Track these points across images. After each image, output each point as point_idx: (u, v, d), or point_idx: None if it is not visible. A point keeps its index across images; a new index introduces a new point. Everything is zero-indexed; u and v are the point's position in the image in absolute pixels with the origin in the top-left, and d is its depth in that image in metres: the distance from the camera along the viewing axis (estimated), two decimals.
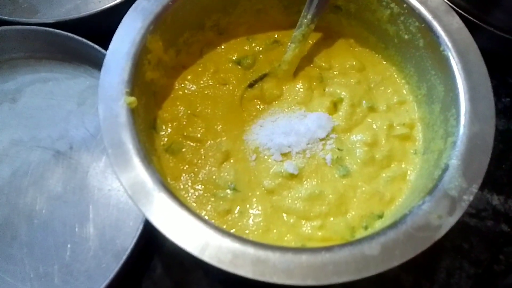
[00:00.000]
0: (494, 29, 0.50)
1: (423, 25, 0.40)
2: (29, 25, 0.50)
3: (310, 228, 0.39)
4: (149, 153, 0.36)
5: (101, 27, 0.48)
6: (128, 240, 0.43)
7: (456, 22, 0.39)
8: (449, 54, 0.38)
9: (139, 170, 0.33)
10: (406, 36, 0.43)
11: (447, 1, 0.49)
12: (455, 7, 0.50)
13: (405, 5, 0.40)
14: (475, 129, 0.35)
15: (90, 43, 0.48)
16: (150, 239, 0.44)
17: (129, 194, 0.32)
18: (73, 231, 0.46)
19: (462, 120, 0.36)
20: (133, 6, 0.39)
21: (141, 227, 0.41)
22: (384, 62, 0.47)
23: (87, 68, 0.53)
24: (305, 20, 0.42)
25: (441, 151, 0.37)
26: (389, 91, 0.46)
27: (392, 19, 0.43)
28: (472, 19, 0.49)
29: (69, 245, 0.45)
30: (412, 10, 0.40)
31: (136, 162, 0.33)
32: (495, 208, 0.49)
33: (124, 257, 0.40)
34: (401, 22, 0.42)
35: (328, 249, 0.31)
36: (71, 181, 0.48)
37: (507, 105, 0.55)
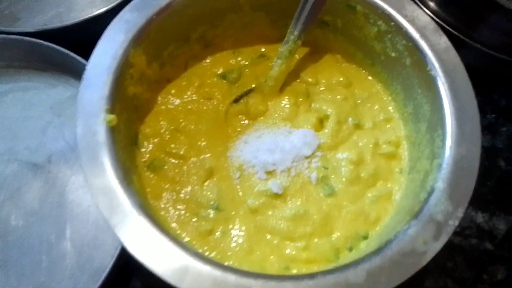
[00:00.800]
0: (480, 46, 0.50)
1: (410, 43, 0.40)
2: (8, 34, 0.48)
3: (294, 249, 0.38)
4: (129, 172, 0.35)
5: (84, 37, 0.46)
6: (106, 259, 0.42)
7: (444, 42, 0.39)
8: (436, 74, 0.38)
9: (117, 192, 0.32)
10: (393, 54, 0.42)
11: (434, 17, 0.50)
12: (442, 23, 0.50)
13: (392, 23, 0.40)
14: (462, 152, 0.35)
15: (71, 53, 0.46)
16: (129, 258, 0.41)
17: (106, 217, 0.30)
18: (50, 249, 0.44)
19: (448, 141, 0.36)
20: (116, 18, 0.38)
21: (120, 245, 0.39)
22: (371, 78, 0.47)
23: (68, 78, 0.51)
24: (292, 36, 0.42)
25: (427, 171, 0.37)
26: (375, 108, 0.45)
27: (379, 37, 0.43)
28: (459, 35, 0.50)
29: (45, 264, 0.43)
30: (399, 28, 0.40)
31: (114, 184, 0.32)
32: (479, 226, 0.49)
33: (102, 277, 0.38)
34: (388, 39, 0.42)
35: (311, 276, 0.30)
36: (49, 196, 0.46)
37: (492, 121, 0.55)
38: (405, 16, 0.39)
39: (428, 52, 0.39)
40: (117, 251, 0.39)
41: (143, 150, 0.41)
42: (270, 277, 0.30)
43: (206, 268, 0.30)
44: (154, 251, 0.30)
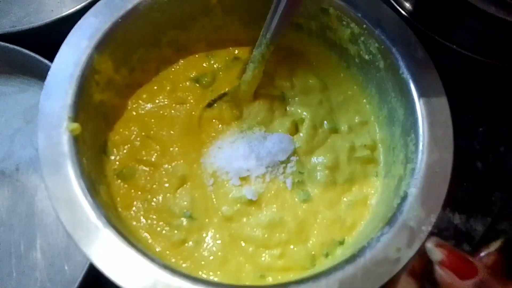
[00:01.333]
0: (456, 47, 0.50)
1: (382, 46, 0.39)
2: None
3: (269, 257, 0.38)
4: (95, 182, 0.34)
5: (54, 39, 0.44)
6: (78, 270, 0.41)
7: (415, 43, 0.39)
8: (408, 77, 0.38)
9: (81, 204, 0.30)
10: (366, 57, 0.42)
11: (410, 18, 0.49)
12: (417, 25, 0.50)
13: (364, 26, 0.40)
14: (434, 157, 0.35)
15: (39, 56, 0.45)
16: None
17: (69, 232, 0.29)
18: (19, 260, 0.42)
19: (421, 146, 0.35)
20: (79, 22, 0.36)
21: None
22: (346, 82, 0.46)
23: (37, 82, 0.49)
24: (264, 40, 0.41)
25: (401, 177, 0.37)
26: (351, 111, 0.45)
27: (352, 39, 0.42)
28: (435, 36, 0.49)
29: (14, 275, 0.42)
30: (371, 31, 0.39)
31: (79, 195, 0.31)
32: (456, 227, 0.49)
33: None
34: (361, 42, 0.42)
35: (284, 285, 0.30)
36: (17, 206, 0.45)
37: (469, 122, 0.55)
38: (376, 19, 0.39)
39: (400, 55, 0.39)
40: (89, 262, 0.38)
41: (112, 158, 0.40)
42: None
43: (175, 280, 0.29)
44: (121, 265, 0.29)
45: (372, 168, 0.42)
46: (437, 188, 0.34)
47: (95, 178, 0.34)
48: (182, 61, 0.46)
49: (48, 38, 0.46)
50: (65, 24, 0.46)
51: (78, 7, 0.48)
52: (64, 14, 0.48)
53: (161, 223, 0.38)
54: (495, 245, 0.30)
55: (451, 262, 0.28)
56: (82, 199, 0.31)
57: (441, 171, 0.34)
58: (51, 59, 0.43)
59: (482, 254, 0.31)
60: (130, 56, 0.41)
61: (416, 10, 0.52)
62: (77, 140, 0.33)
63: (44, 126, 0.32)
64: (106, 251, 0.29)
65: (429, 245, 0.28)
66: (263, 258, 0.37)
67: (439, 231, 0.48)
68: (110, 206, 0.36)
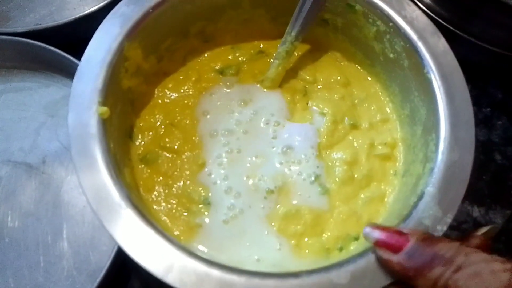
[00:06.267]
0: (474, 39, 0.49)
1: (408, 45, 0.39)
2: (0, 34, 0.48)
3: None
4: (120, 164, 0.35)
5: (76, 35, 0.46)
6: (104, 259, 0.42)
7: (442, 45, 0.38)
8: (433, 77, 0.37)
9: (106, 184, 0.32)
10: (391, 55, 0.42)
11: (428, 11, 0.49)
12: (436, 17, 0.49)
13: (390, 24, 0.40)
14: (454, 157, 0.35)
15: (62, 53, 0.46)
16: (127, 258, 0.41)
17: (94, 209, 0.31)
18: (47, 250, 0.44)
19: (441, 146, 0.35)
20: (112, 11, 0.38)
21: (117, 245, 0.39)
22: (370, 79, 0.46)
23: (61, 78, 0.51)
24: (289, 37, 0.41)
25: (419, 175, 0.37)
26: (372, 108, 0.45)
27: (378, 37, 0.42)
28: (453, 29, 0.49)
29: (42, 265, 0.43)
30: (397, 29, 0.39)
31: (104, 175, 0.32)
32: (476, 220, 0.49)
33: (100, 277, 0.38)
34: (387, 40, 0.41)
35: (296, 275, 0.30)
36: (44, 197, 0.46)
37: (488, 115, 0.54)
38: (404, 17, 0.39)
39: (426, 55, 0.38)
40: (114, 251, 0.39)
41: (137, 143, 0.41)
42: (254, 274, 0.30)
43: (191, 262, 0.30)
44: (139, 243, 0.30)
45: (390, 166, 0.42)
46: (455, 188, 0.33)
47: (120, 161, 0.36)
48: (208, 53, 0.47)
49: (71, 35, 0.49)
50: (87, 22, 0.49)
51: (99, 5, 0.49)
52: (86, 12, 0.49)
53: (180, 208, 0.39)
54: (482, 230, 0.29)
55: (385, 240, 0.27)
56: (107, 179, 0.32)
57: (460, 172, 0.34)
58: (74, 55, 0.46)
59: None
60: (158, 45, 0.42)
61: (434, 3, 0.51)
62: (105, 123, 0.34)
63: (75, 108, 0.33)
64: (127, 229, 0.31)
65: (366, 230, 0.28)
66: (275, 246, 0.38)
67: (458, 224, 0.48)
68: (133, 188, 0.37)
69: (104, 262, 0.39)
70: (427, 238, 0.26)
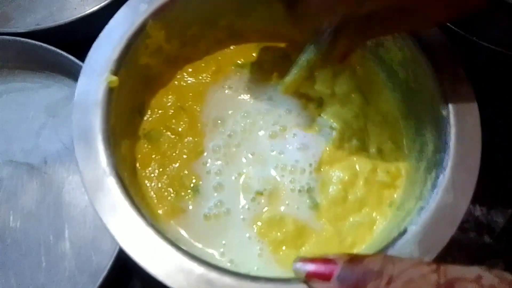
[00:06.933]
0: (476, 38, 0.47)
1: (429, 79, 0.38)
2: (1, 34, 0.48)
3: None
4: (118, 135, 0.36)
5: (77, 35, 0.47)
6: (105, 259, 0.41)
7: (464, 81, 0.37)
8: (447, 115, 0.36)
9: (98, 151, 0.33)
10: (413, 85, 0.41)
11: None
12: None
13: (415, 53, 0.38)
14: (448, 199, 0.33)
15: (63, 53, 0.46)
16: (128, 258, 0.42)
17: (80, 168, 0.32)
18: (49, 251, 0.44)
19: (438, 186, 0.34)
20: None
21: (118, 246, 0.37)
22: (388, 104, 0.45)
23: (62, 78, 0.51)
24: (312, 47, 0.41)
25: (409, 211, 0.35)
26: (384, 134, 0.44)
27: (403, 63, 0.41)
28: (454, 28, 0.47)
29: (44, 265, 0.44)
30: (420, 60, 0.38)
31: (98, 142, 0.33)
32: (477, 219, 0.48)
33: (101, 278, 0.39)
34: (411, 69, 0.40)
35: (286, 281, 0.30)
36: (46, 197, 0.46)
37: (490, 115, 0.52)
38: (429, 48, 0.38)
39: (446, 91, 0.37)
40: (116, 252, 0.40)
41: (145, 118, 0.42)
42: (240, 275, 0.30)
43: (172, 252, 0.31)
44: (114, 212, 0.31)
45: (388, 195, 0.41)
46: (441, 231, 0.32)
47: (120, 132, 0.37)
48: (233, 47, 0.47)
49: (72, 35, 0.49)
50: (88, 22, 0.49)
51: (100, 5, 0.49)
52: (87, 12, 0.49)
53: (169, 188, 0.40)
54: None
55: (315, 270, 0.26)
56: (100, 146, 0.33)
57: (451, 216, 0.32)
58: (75, 55, 0.46)
59: None
60: (184, 31, 0.43)
61: None
62: (112, 93, 0.36)
63: (86, 73, 0.35)
64: (105, 196, 0.32)
65: (297, 265, 0.27)
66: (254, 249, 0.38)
67: (460, 223, 0.47)
68: (128, 161, 0.38)
69: (105, 262, 0.39)
70: (353, 258, 0.26)
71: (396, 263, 0.24)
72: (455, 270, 0.22)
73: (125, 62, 0.37)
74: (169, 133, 0.42)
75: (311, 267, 0.26)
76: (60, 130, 0.49)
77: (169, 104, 0.43)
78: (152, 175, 0.40)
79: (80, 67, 0.41)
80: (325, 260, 0.26)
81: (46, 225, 0.45)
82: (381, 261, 0.24)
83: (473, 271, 0.22)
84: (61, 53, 0.47)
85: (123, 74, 0.37)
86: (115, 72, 0.36)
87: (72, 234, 0.44)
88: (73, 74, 0.45)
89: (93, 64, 0.35)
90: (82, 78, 0.35)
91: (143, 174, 0.40)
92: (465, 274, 0.22)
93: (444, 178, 0.34)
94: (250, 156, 0.41)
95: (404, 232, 0.32)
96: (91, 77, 0.35)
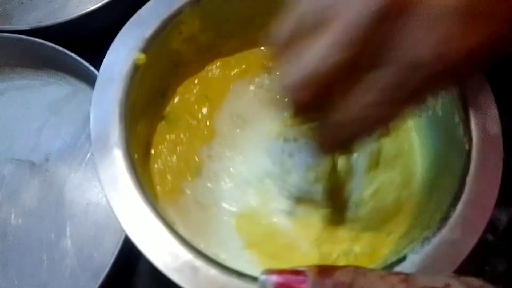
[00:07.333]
0: None
1: (459, 108, 0.36)
2: (2, 32, 0.49)
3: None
4: (137, 112, 0.37)
5: (79, 33, 0.48)
6: (107, 257, 0.41)
7: (493, 119, 0.35)
8: (469, 148, 0.34)
9: (111, 123, 0.34)
10: (440, 112, 0.39)
11: None
12: None
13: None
14: (455, 235, 0.31)
15: (65, 50, 0.46)
16: (130, 256, 0.43)
17: (92, 133, 0.33)
18: (50, 248, 0.44)
19: (448, 219, 0.32)
20: None
21: (120, 243, 0.39)
22: (411, 131, 0.44)
23: (64, 76, 0.51)
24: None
25: (413, 239, 0.34)
26: (396, 168, 0.42)
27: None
28: None
29: (45, 263, 0.44)
30: (452, 88, 0.37)
31: (113, 117, 0.34)
32: None
33: (103, 276, 0.39)
34: (441, 96, 0.39)
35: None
36: (48, 195, 0.46)
37: None
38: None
39: (472, 123, 0.35)
40: (117, 250, 0.39)
41: (168, 101, 0.43)
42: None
43: (165, 233, 0.31)
44: (114, 180, 0.32)
45: (392, 228, 0.39)
46: (440, 267, 0.30)
47: (139, 109, 0.38)
48: (264, 48, 0.47)
49: (74, 32, 0.49)
50: (90, 19, 0.48)
51: (102, 2, 0.48)
52: (89, 9, 0.48)
53: (174, 167, 0.40)
54: None
55: (284, 282, 0.25)
56: (115, 117, 0.34)
57: (455, 253, 0.31)
58: (77, 53, 0.46)
59: None
60: (219, 25, 0.43)
61: None
62: (138, 69, 0.36)
63: (115, 47, 0.36)
64: (109, 165, 0.32)
65: (262, 278, 0.26)
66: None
67: None
68: (141, 138, 0.39)
69: (107, 260, 0.39)
70: (323, 269, 0.25)
71: (367, 274, 0.23)
72: (423, 280, 0.22)
73: (156, 43, 0.37)
74: (188, 117, 0.43)
75: (280, 279, 0.26)
76: (62, 128, 0.49)
77: (194, 91, 0.44)
78: (162, 152, 0.41)
79: (83, 65, 0.43)
80: (294, 272, 0.25)
81: (47, 223, 0.45)
82: (352, 273, 0.24)
83: (441, 280, 0.22)
84: (63, 51, 0.46)
85: (152, 54, 0.37)
86: (144, 50, 0.36)
87: (74, 232, 0.44)
88: (75, 72, 0.45)
89: (125, 38, 0.36)
90: (111, 52, 0.36)
91: (154, 152, 0.41)
92: (433, 283, 0.22)
93: (455, 212, 0.32)
94: (257, 152, 0.41)
95: (403, 258, 0.31)
96: (119, 51, 0.36)
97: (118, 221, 0.30)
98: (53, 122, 0.49)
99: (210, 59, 0.46)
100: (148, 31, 0.37)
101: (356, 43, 0.23)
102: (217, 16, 0.42)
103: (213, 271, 0.29)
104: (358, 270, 0.24)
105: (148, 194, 0.32)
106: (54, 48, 0.46)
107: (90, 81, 0.46)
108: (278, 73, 0.27)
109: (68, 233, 0.44)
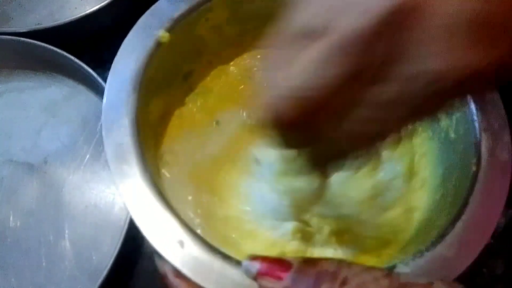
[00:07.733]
0: None
1: (472, 133, 0.36)
2: (0, 34, 0.48)
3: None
4: (153, 88, 0.38)
5: (77, 35, 0.49)
6: (106, 259, 0.41)
7: (506, 145, 0.35)
8: (476, 170, 0.34)
9: (123, 98, 0.35)
10: (453, 135, 0.39)
11: None
12: None
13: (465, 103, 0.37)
14: (449, 254, 0.31)
15: (64, 52, 0.47)
16: (129, 258, 0.43)
17: (104, 108, 0.34)
18: (49, 250, 0.44)
19: (444, 237, 0.31)
20: None
21: (119, 245, 0.40)
22: (423, 148, 0.43)
23: (62, 78, 0.52)
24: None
25: (406, 251, 0.33)
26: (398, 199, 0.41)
27: (449, 111, 0.39)
28: None
29: (44, 265, 0.44)
30: (466, 112, 0.37)
31: (127, 89, 0.35)
32: None
33: (102, 277, 0.39)
34: (455, 118, 0.39)
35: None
36: (46, 197, 0.47)
37: None
38: (477, 100, 0.36)
39: (483, 147, 0.35)
40: (116, 251, 0.40)
41: (188, 85, 0.44)
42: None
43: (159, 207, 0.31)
44: (120, 154, 0.32)
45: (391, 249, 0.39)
46: (432, 278, 0.29)
47: (155, 87, 0.38)
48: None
49: (72, 34, 0.50)
50: (88, 21, 0.49)
51: (100, 5, 0.48)
52: (87, 11, 0.48)
53: (179, 137, 0.41)
54: None
55: (267, 270, 0.25)
56: (130, 87, 0.35)
57: (447, 270, 0.30)
58: (76, 55, 0.46)
59: None
60: (247, 21, 0.44)
61: None
62: (160, 47, 0.37)
63: (141, 26, 0.37)
64: (116, 133, 0.33)
65: (244, 263, 0.26)
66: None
67: None
68: (153, 115, 0.40)
69: (106, 262, 0.39)
70: (308, 260, 0.25)
71: (351, 266, 0.24)
72: (406, 277, 0.23)
73: (181, 25, 0.38)
74: (208, 95, 0.44)
75: (263, 266, 0.25)
76: (60, 129, 0.49)
77: (215, 80, 0.45)
78: (174, 128, 0.42)
79: (81, 67, 0.44)
80: (279, 260, 0.25)
81: (46, 224, 0.45)
82: (336, 263, 0.24)
83: (424, 279, 0.22)
84: (62, 53, 0.46)
85: (177, 35, 0.38)
86: (169, 30, 0.37)
87: (72, 234, 0.44)
88: (73, 74, 0.45)
89: (152, 18, 0.37)
90: (135, 29, 0.37)
91: (169, 125, 0.42)
92: (416, 280, 0.22)
93: (453, 231, 0.32)
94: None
95: (393, 267, 0.30)
96: (145, 30, 0.37)
97: (117, 188, 0.31)
98: (51, 124, 0.50)
99: (234, 53, 0.46)
100: (176, 13, 0.38)
101: (353, 54, 0.20)
102: (245, 11, 0.43)
103: (197, 249, 0.29)
104: (342, 261, 0.24)
105: (149, 167, 0.33)
106: (52, 50, 0.47)
107: (88, 83, 0.47)
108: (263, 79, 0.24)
109: (66, 235, 0.44)
